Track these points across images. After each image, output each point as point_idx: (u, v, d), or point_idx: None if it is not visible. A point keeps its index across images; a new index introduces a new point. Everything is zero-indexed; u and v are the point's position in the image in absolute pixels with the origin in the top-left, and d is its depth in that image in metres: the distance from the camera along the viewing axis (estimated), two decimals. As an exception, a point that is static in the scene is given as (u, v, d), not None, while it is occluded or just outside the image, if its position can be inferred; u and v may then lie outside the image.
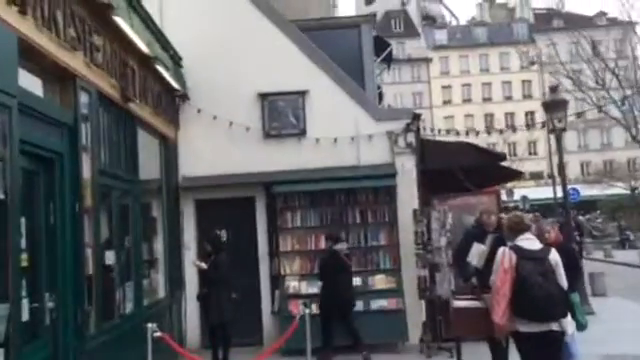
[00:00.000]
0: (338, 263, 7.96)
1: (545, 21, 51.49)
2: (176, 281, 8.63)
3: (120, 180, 6.37)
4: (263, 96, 9.28)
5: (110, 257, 6.02)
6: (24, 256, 4.32)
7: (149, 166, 8.08)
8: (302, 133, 9.26)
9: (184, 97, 9.01)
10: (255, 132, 9.19)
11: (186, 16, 9.04)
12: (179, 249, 8.96)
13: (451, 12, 65.29)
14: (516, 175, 12.81)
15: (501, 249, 4.70)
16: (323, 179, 8.88)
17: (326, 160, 9.03)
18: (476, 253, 6.14)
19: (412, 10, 57.71)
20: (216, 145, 9.09)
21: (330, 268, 8.00)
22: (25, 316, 4.31)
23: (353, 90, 9.46)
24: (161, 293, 8.21)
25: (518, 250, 4.61)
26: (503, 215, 6.82)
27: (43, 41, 4.45)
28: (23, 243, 4.34)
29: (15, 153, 3.93)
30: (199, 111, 9.07)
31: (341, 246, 8.14)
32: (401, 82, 51.69)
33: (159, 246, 8.41)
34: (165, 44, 7.99)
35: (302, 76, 9.29)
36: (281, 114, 9.30)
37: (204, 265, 7.77)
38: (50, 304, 4.72)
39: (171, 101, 8.69)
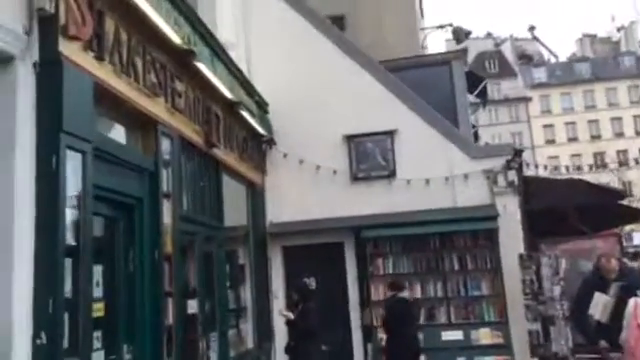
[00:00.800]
0: (407, 312, 7.27)
1: (655, 52, 47.97)
2: (264, 331, 8.32)
3: (204, 226, 6.24)
4: (349, 138, 9.00)
5: (193, 306, 5.82)
6: (99, 305, 4.18)
7: (235, 212, 7.98)
8: (392, 175, 8.82)
9: (270, 142, 8.93)
10: (342, 175, 8.89)
11: (272, 61, 9.08)
12: (268, 298, 8.69)
13: (549, 50, 62.67)
14: (639, 215, 11.40)
15: (632, 300, 3.92)
16: (415, 223, 8.32)
17: (418, 202, 8.49)
18: (599, 304, 5.27)
19: (507, 50, 56.12)
20: (303, 190, 8.86)
21: (398, 317, 7.39)
22: (101, 369, 4.15)
23: (445, 128, 8.94)
24: (249, 344, 7.92)
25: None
26: (626, 260, 5.90)
27: (122, 87, 4.44)
28: (99, 292, 4.22)
29: (89, 199, 3.83)
30: (285, 156, 8.95)
31: (406, 294, 7.50)
32: (499, 123, 49.81)
33: (247, 294, 8.20)
34: (250, 89, 7.99)
35: (390, 116, 8.92)
36: (369, 156, 8.94)
37: (291, 315, 7.37)
38: (128, 356, 4.54)
39: (257, 146, 8.64)
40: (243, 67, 8.18)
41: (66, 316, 3.57)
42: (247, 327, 7.97)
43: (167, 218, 5.21)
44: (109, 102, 4.44)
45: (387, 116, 8.92)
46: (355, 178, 8.92)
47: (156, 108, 5.05)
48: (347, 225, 8.61)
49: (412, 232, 8.37)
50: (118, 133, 4.82)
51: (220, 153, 6.81)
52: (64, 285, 3.50)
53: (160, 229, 4.97)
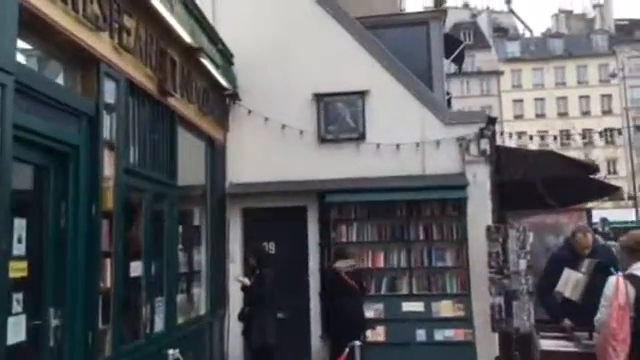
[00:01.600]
0: (340, 285, 6.83)
1: (627, 32, 48.28)
2: (218, 297, 7.90)
3: (153, 182, 5.68)
4: (319, 97, 8.47)
5: (136, 268, 5.32)
6: (20, 264, 3.65)
7: (192, 170, 7.44)
8: (361, 138, 8.36)
9: (234, 97, 8.34)
10: (309, 136, 8.39)
11: (239, 12, 8.42)
12: (224, 262, 8.25)
13: (524, 24, 62.70)
14: (611, 190, 11.27)
15: (612, 279, 3.61)
16: (383, 189, 7.94)
17: (387, 168, 8.09)
18: (569, 281, 4.99)
19: (482, 22, 55.70)
20: (267, 149, 8.35)
21: (330, 290, 7.04)
22: (22, 336, 3.65)
23: (420, 91, 8.49)
24: (201, 310, 7.48)
25: (636, 281, 3.50)
26: (598, 237, 5.65)
27: (55, 14, 3.81)
28: (21, 249, 3.68)
29: (7, 141, 3.25)
30: (249, 112, 8.38)
31: (342, 264, 6.99)
32: (470, 95, 49.73)
33: (201, 258, 7.71)
34: (213, 36, 7.35)
35: (363, 75, 8.41)
36: (338, 117, 8.44)
37: (247, 281, 6.96)
38: (55, 321, 4.03)
39: (219, 100, 8.04)
40: (207, 12, 7.50)
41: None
42: (200, 292, 7.52)
43: (108, 170, 4.66)
44: (41, 32, 3.82)
45: (359, 75, 8.41)
46: (322, 140, 8.44)
47: (99, 44, 4.42)
48: (311, 188, 8.16)
49: (379, 199, 7.99)
50: (52, 70, 4.21)
51: (176, 103, 6.21)
52: (-32, 240, 2.95)
53: (99, 182, 4.42)
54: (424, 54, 9.68)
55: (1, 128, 3.22)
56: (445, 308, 7.65)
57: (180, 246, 6.90)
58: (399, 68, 8.50)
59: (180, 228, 6.87)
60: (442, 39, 9.95)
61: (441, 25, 10.09)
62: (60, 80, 4.35)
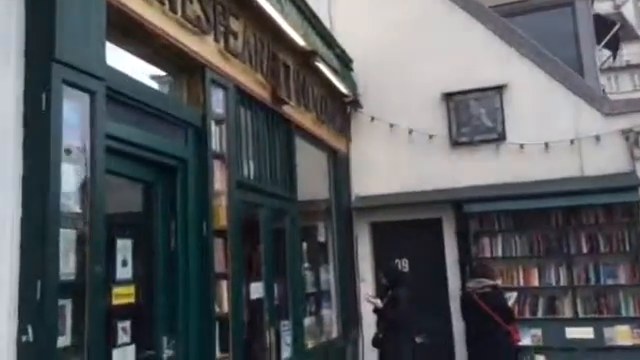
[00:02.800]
0: (472, 309, 5.71)
1: None
2: (351, 319, 7.30)
3: (271, 196, 5.27)
4: (448, 96, 7.63)
5: (258, 290, 4.90)
6: (126, 289, 3.34)
7: (314, 182, 7.00)
8: (500, 138, 7.35)
9: (355, 104, 7.79)
10: (440, 140, 7.56)
11: (355, 15, 7.91)
12: (354, 281, 7.65)
13: (680, 6, 55.39)
14: None
15: None
16: (532, 195, 6.84)
17: (534, 171, 7.01)
18: None
19: (628, 12, 50.20)
20: (394, 158, 7.67)
21: (464, 314, 6.00)
22: (131, 368, 3.32)
23: (568, 78, 7.30)
24: (332, 334, 6.94)
25: None
26: None
27: (150, 15, 3.51)
28: (127, 272, 3.37)
29: (99, 153, 2.94)
30: (373, 119, 7.77)
31: (473, 284, 5.78)
32: (621, 92, 44.73)
33: (329, 277, 7.20)
34: (329, 39, 6.89)
35: (499, 68, 7.43)
36: (472, 116, 7.52)
37: (379, 302, 6.27)
38: (168, 352, 3.68)
39: (340, 108, 7.54)
40: (323, 18, 7.08)
41: (68, 304, 2.73)
42: (330, 314, 6.99)
43: (220, 185, 4.28)
44: (138, 36, 3.55)
45: (495, 68, 7.44)
46: (455, 143, 7.56)
47: (203, 49, 4.10)
48: (446, 198, 7.31)
49: (527, 207, 6.90)
50: (154, 77, 3.93)
51: (292, 112, 5.80)
52: (58, 264, 2.63)
53: (209, 197, 4.05)
54: (571, 40, 8.43)
55: (91, 140, 2.91)
56: (621, 335, 6.32)
57: (306, 264, 6.45)
58: (541, 55, 7.39)
59: (304, 245, 6.44)
60: (592, 20, 8.60)
61: (589, 4, 8.74)
62: (165, 89, 4.07)
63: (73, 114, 2.85)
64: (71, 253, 2.77)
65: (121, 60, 3.50)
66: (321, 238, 7.15)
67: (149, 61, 3.82)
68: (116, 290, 3.27)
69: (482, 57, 7.49)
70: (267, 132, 5.37)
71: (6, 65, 2.65)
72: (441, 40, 7.66)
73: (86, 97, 2.92)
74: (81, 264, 2.80)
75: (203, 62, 4.12)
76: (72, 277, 2.75)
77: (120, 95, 3.28)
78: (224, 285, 4.21)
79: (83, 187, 2.87)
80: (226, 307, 4.18)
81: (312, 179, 6.95)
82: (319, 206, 7.22)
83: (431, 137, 7.56)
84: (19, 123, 2.65)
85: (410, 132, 7.60)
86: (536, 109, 7.20)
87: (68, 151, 2.79)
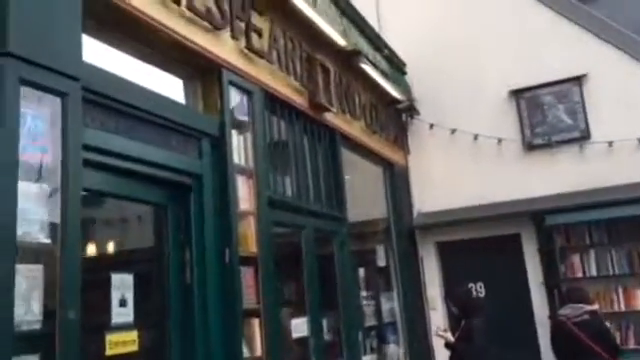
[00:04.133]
0: (568, 341, 4.62)
1: None
2: (422, 355, 6.39)
3: (313, 216, 4.57)
4: (517, 93, 6.71)
5: (301, 327, 4.18)
6: (126, 336, 2.72)
7: (369, 200, 6.26)
8: (584, 137, 6.34)
9: (411, 111, 7.01)
10: (511, 145, 6.63)
11: (405, 16, 7.22)
12: (422, 310, 6.76)
13: None
14: None
15: None
16: (626, 201, 5.77)
17: (626, 172, 5.94)
18: None
19: None
20: (458, 168, 6.80)
21: (557, 347, 4.85)
22: None
23: (663, 61, 6.21)
24: (399, 372, 6.08)
25: None
26: None
27: (152, 9, 2.97)
28: (127, 316, 2.76)
29: (74, 168, 2.37)
30: (432, 126, 6.96)
31: (568, 311, 4.63)
32: None
33: (394, 306, 6.36)
34: (376, 41, 6.21)
35: (575, 56, 6.47)
36: (548, 114, 6.55)
37: (450, 336, 5.36)
38: (186, 409, 3.02)
39: (393, 116, 6.78)
40: (372, 20, 6.43)
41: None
42: (396, 350, 6.13)
43: (246, 204, 3.65)
44: (133, 30, 3.01)
45: (570, 58, 6.47)
46: (530, 147, 6.60)
47: (217, 47, 3.51)
48: (523, 210, 6.33)
49: (622, 214, 5.81)
50: (164, 82, 3.37)
51: (335, 120, 5.12)
52: (12, 309, 2.04)
53: (232, 219, 3.40)
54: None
55: (64, 151, 2.34)
56: None
57: (364, 293, 5.69)
58: (626, 37, 6.35)
59: (361, 271, 5.69)
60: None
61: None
62: (176, 94, 3.51)
63: (37, 121, 2.31)
64: (35, 295, 2.19)
65: (118, 62, 2.98)
66: (381, 262, 6.35)
67: (152, 62, 3.26)
68: (111, 337, 2.66)
69: (554, 46, 6.55)
70: (307, 143, 4.72)
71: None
72: (504, 30, 6.80)
73: (56, 101, 2.38)
74: (50, 309, 2.21)
75: (219, 62, 3.53)
76: (37, 326, 2.16)
77: (112, 101, 2.73)
78: (255, 323, 3.53)
79: (52, 211, 2.29)
80: (259, 349, 3.49)
81: (366, 197, 6.23)
82: (376, 226, 6.45)
83: (500, 141, 6.64)
84: (-37, 133, 2.12)
85: (475, 138, 6.73)
86: (624, 100, 6.16)
87: (29, 166, 2.24)
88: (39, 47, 2.31)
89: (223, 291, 3.28)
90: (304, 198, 4.49)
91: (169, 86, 3.44)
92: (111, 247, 2.96)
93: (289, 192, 4.30)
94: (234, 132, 3.65)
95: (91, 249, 2.76)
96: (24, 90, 2.23)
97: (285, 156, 4.36)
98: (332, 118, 5.04)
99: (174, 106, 3.19)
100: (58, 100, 2.38)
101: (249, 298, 3.51)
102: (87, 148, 2.51)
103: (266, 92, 4.03)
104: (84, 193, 2.50)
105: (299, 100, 4.52)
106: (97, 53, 2.81)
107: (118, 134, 2.76)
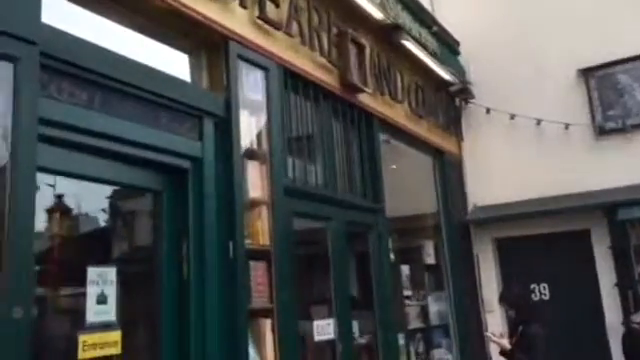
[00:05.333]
0: None
1: None
2: (476, 361, 5.82)
3: (343, 207, 4.13)
4: (587, 72, 5.96)
5: (325, 329, 3.76)
6: (107, 336, 2.42)
7: (417, 193, 5.74)
8: (665, 119, 5.51)
9: (465, 94, 6.40)
10: (579, 130, 5.90)
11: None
12: (478, 313, 6.15)
13: None
14: None
15: None
16: None
17: None
18: None
19: None
20: (518, 156, 6.14)
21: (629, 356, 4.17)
22: None
23: None
24: (451, 381, 5.53)
25: None
26: None
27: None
28: (108, 314, 2.46)
29: (27, 144, 2.07)
30: (489, 111, 6.32)
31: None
32: None
33: (445, 308, 5.82)
34: (423, 16, 5.65)
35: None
36: (622, 94, 5.77)
37: (506, 343, 4.75)
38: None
39: (445, 101, 6.20)
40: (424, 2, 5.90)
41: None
42: (445, 356, 5.58)
43: (258, 191, 3.27)
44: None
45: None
46: (601, 132, 5.85)
47: (222, 15, 3.15)
48: (593, 203, 5.59)
49: None
50: (166, 56, 3.06)
51: (372, 103, 4.65)
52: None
53: (237, 208, 3.03)
54: None
55: (17, 125, 2.05)
56: None
57: (408, 292, 5.20)
58: None
59: (405, 269, 5.20)
60: None
61: None
62: (183, 71, 3.18)
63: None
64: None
65: (106, 33, 2.69)
66: (429, 260, 5.83)
67: (148, 34, 2.95)
68: (85, 338, 2.36)
69: (631, 16, 5.75)
70: (338, 127, 4.28)
71: None
72: (566, 5, 6.05)
73: (8, 67, 2.09)
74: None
75: (225, 33, 3.18)
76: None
77: (83, 70, 2.42)
78: (266, 324, 3.15)
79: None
80: (270, 354, 3.11)
81: (413, 188, 5.71)
82: (425, 221, 5.93)
83: (567, 127, 5.93)
84: None
85: (538, 123, 6.04)
86: None
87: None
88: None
89: (226, 289, 2.92)
90: (331, 187, 4.06)
91: (172, 61, 3.12)
92: (90, 239, 2.68)
93: (313, 180, 3.89)
94: (245, 112, 3.29)
95: (59, 236, 2.48)
96: (-34, 55, 1.96)
97: (310, 141, 3.95)
98: (368, 100, 4.58)
99: (166, 80, 2.85)
100: (9, 66, 2.09)
101: (259, 296, 3.14)
102: (50, 123, 2.22)
103: (285, 69, 3.64)
104: (48, 175, 2.22)
105: (327, 79, 4.10)
106: (86, 25, 2.54)
107: (92, 109, 2.45)
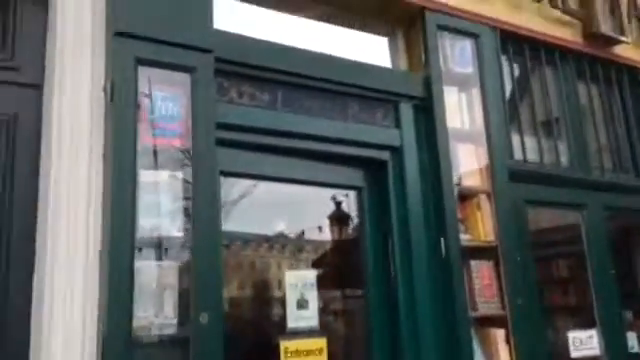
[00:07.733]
0: None
1: None
2: None
3: (600, 190, 3.28)
4: None
5: (587, 343, 3.02)
6: (310, 344, 2.33)
7: None
8: None
9: None
10: None
11: None
12: None
13: None
14: None
15: None
16: None
17: None
18: None
19: None
20: None
21: None
22: None
23: None
24: None
25: None
26: None
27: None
28: (312, 319, 2.37)
29: (208, 151, 2.10)
30: None
31: None
32: None
33: None
34: None
35: None
36: None
37: None
38: None
39: None
40: None
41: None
42: None
43: (473, 179, 2.82)
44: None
45: None
46: None
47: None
48: None
49: None
50: (365, 44, 2.86)
51: (636, 55, 3.66)
52: (129, 308, 1.87)
53: (445, 200, 2.63)
54: None
55: (194, 133, 2.09)
56: None
57: None
58: None
59: None
60: None
61: None
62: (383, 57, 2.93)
63: (168, 103, 2.12)
64: (168, 296, 1.99)
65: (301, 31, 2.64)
66: None
67: (336, 22, 2.80)
68: (287, 345, 2.29)
69: None
70: (585, 93, 3.47)
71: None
72: None
73: (185, 77, 2.15)
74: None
75: (422, 4, 2.82)
76: (170, 330, 1.95)
77: (271, 72, 2.38)
78: (499, 335, 2.66)
79: (183, 201, 2.07)
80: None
81: None
82: None
83: None
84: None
85: None
86: None
87: (156, 152, 2.06)
88: (157, 21, 2.11)
89: (440, 291, 2.56)
90: (583, 166, 3.28)
91: (370, 48, 2.91)
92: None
93: (553, 160, 3.19)
94: (452, 89, 2.88)
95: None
96: (143, 70, 2.06)
97: (545, 112, 3.27)
98: (629, 53, 3.61)
99: (354, 67, 2.63)
100: (187, 77, 2.15)
101: (484, 301, 2.68)
102: (228, 127, 2.22)
103: (501, 31, 3.08)
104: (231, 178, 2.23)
105: (564, 34, 3.36)
106: (268, 25, 2.53)
107: (274, 109, 2.38)
